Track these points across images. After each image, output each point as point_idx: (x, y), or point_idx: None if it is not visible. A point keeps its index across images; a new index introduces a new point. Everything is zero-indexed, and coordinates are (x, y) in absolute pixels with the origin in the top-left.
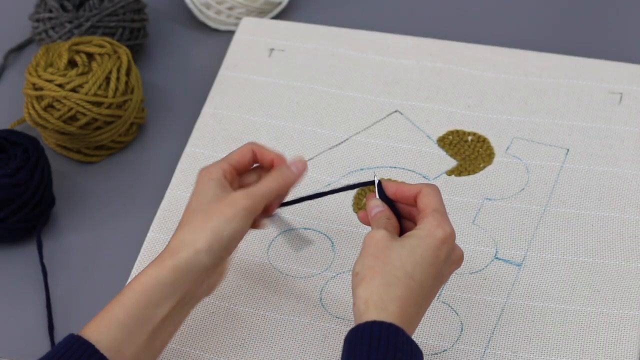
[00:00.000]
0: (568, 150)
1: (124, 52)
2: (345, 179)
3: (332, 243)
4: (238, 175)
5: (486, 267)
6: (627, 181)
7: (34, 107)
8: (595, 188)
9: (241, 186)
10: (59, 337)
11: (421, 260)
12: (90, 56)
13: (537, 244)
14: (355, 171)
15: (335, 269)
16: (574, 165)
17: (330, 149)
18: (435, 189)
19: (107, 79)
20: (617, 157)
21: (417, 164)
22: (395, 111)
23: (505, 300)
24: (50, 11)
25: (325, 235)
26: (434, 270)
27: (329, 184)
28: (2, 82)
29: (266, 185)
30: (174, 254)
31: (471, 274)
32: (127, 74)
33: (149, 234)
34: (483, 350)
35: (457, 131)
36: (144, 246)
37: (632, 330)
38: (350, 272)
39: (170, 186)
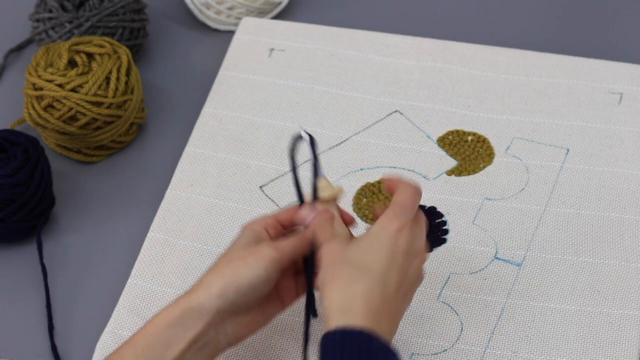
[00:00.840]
0: (568, 150)
1: (124, 52)
2: (345, 179)
3: None
4: (283, 230)
5: (486, 267)
6: (627, 181)
7: (34, 107)
8: (595, 188)
9: None
10: (59, 337)
11: (379, 253)
12: (90, 56)
13: (537, 244)
14: (355, 171)
15: None
16: (574, 165)
17: (330, 149)
18: (406, 186)
19: (107, 79)
20: (617, 157)
21: (417, 164)
22: (395, 111)
23: (505, 300)
24: (50, 11)
25: None
26: (395, 261)
27: None
28: (2, 82)
29: (293, 242)
30: (188, 295)
31: (471, 274)
32: (127, 74)
33: (149, 234)
34: (483, 350)
35: (457, 131)
36: (144, 246)
37: (632, 330)
38: None
39: (170, 186)
